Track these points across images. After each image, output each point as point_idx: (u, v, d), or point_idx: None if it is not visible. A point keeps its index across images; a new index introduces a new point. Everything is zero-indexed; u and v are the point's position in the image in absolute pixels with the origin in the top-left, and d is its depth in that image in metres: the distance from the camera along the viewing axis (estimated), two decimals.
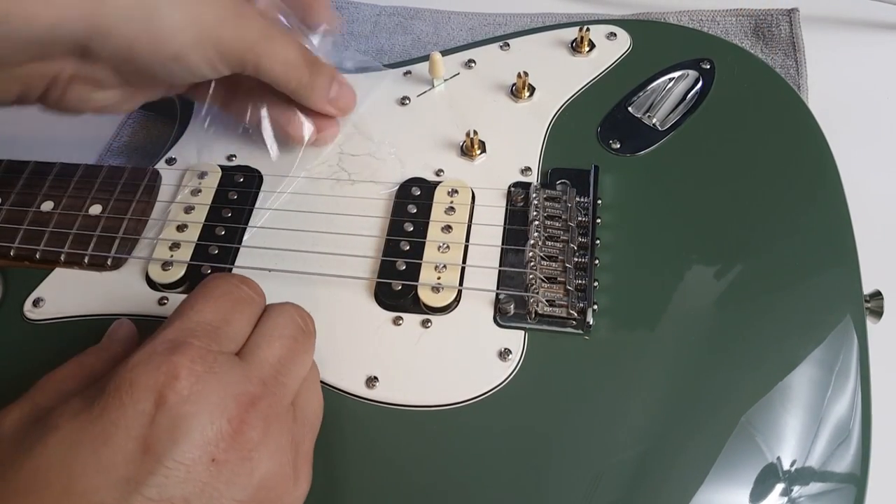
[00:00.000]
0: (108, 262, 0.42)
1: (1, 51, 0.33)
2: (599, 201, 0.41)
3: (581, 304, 0.37)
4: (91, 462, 0.26)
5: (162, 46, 0.35)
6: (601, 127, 0.45)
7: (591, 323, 0.37)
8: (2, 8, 0.32)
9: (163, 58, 0.36)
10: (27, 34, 0.33)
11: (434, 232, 0.41)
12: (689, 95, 0.46)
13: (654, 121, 0.45)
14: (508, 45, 0.49)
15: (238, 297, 0.33)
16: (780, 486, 0.33)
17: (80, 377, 0.32)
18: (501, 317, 0.38)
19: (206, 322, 0.31)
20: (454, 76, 0.48)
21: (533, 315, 0.38)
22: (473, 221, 0.42)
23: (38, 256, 0.42)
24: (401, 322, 0.38)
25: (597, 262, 0.39)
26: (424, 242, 0.40)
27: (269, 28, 0.39)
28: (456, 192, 0.42)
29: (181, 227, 0.43)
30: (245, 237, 0.42)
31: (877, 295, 0.38)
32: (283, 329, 0.33)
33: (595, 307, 0.37)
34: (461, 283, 0.39)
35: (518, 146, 0.44)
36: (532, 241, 0.40)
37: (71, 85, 0.37)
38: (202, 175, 0.45)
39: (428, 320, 0.38)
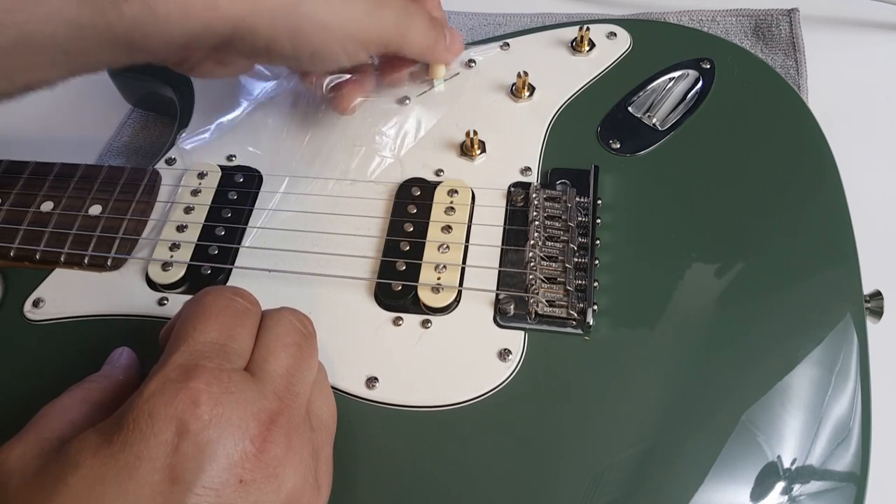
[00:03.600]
0: (108, 262, 0.42)
1: (153, 44, 0.34)
2: (599, 201, 0.41)
3: (581, 305, 0.37)
4: (119, 498, 0.26)
5: (302, 44, 0.36)
6: (601, 127, 0.45)
7: (591, 323, 0.37)
8: (163, 9, 0.32)
9: (300, 55, 0.37)
10: (180, 32, 0.33)
11: (434, 232, 0.41)
12: (689, 95, 0.46)
13: (654, 121, 0.45)
14: (508, 44, 0.49)
15: (236, 311, 0.32)
16: (780, 485, 0.33)
17: (84, 405, 0.31)
18: (501, 317, 0.38)
19: (212, 341, 0.30)
20: (454, 76, 0.48)
21: (533, 315, 0.38)
22: (473, 222, 0.42)
23: (37, 257, 0.42)
24: (401, 322, 0.38)
25: (597, 262, 0.39)
26: (424, 243, 0.40)
27: (404, 7, 0.39)
28: (456, 192, 0.42)
29: (181, 228, 0.42)
30: (245, 237, 0.42)
31: (877, 295, 0.38)
32: (286, 337, 0.32)
33: (595, 307, 0.37)
34: (461, 284, 0.39)
35: (518, 146, 0.44)
36: (532, 242, 0.40)
37: (200, 63, 0.38)
38: (202, 175, 0.45)
39: (428, 321, 0.38)
